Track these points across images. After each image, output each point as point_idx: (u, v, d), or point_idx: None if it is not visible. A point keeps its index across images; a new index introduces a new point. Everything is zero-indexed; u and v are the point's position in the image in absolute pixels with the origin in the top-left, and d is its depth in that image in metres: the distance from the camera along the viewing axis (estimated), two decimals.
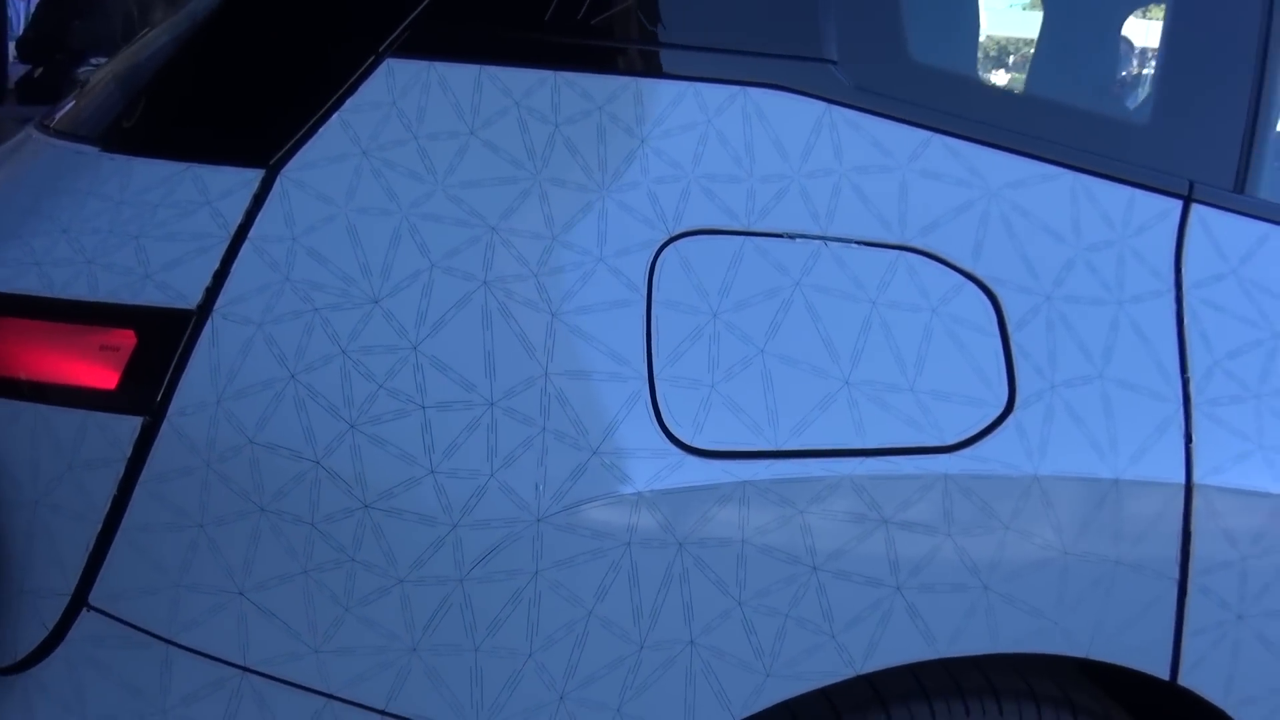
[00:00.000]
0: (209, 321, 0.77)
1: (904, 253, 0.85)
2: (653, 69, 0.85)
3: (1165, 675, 0.88)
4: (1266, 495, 0.87)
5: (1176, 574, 0.86)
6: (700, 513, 0.78)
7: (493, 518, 0.76)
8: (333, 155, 0.79)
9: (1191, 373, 0.87)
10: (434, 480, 0.76)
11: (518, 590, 0.77)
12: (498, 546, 0.77)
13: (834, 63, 0.86)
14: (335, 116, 0.80)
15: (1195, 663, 0.88)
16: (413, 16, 0.81)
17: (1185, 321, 0.89)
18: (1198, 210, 0.92)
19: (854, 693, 0.88)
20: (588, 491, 0.77)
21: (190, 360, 0.77)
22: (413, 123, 0.80)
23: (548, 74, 0.82)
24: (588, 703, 0.79)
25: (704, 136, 0.84)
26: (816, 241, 0.84)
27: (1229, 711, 0.90)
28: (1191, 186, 0.92)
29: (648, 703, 0.80)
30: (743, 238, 0.83)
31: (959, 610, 0.83)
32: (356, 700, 0.78)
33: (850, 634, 0.82)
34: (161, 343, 0.77)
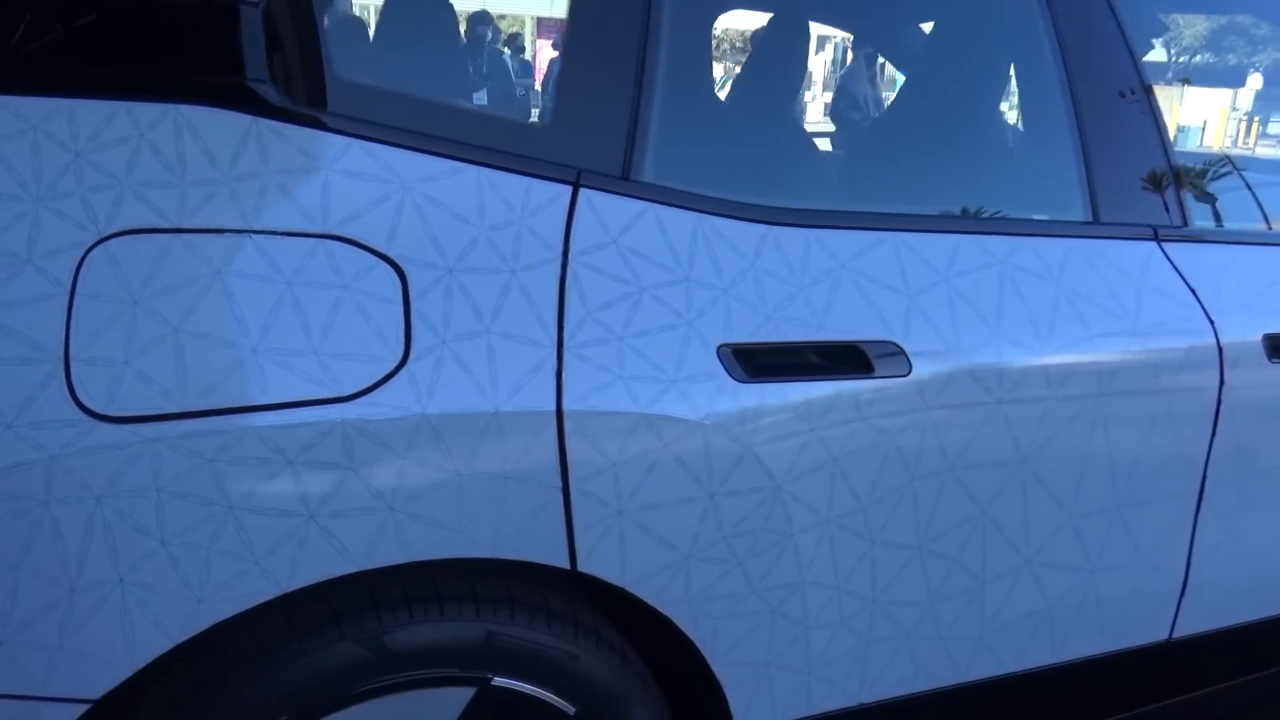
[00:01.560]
0: None
1: (324, 240, 1.02)
2: (85, 90, 0.97)
3: (566, 565, 1.11)
4: (626, 414, 1.10)
5: (559, 483, 1.08)
6: (113, 470, 0.92)
7: None
8: None
9: (567, 322, 1.10)
10: None
11: None
12: None
13: (262, 80, 1.02)
14: None
15: (589, 552, 1.11)
16: None
17: (566, 283, 1.11)
18: (585, 194, 1.15)
19: (312, 610, 1.05)
20: (1, 460, 0.89)
21: None
22: None
23: None
24: (29, 644, 0.91)
25: (137, 149, 0.97)
26: (243, 235, 1.00)
27: (629, 589, 1.14)
28: (579, 175, 1.15)
29: (89, 636, 0.93)
30: (172, 235, 0.97)
31: (370, 529, 1.01)
32: None
33: (273, 559, 0.98)
34: None
